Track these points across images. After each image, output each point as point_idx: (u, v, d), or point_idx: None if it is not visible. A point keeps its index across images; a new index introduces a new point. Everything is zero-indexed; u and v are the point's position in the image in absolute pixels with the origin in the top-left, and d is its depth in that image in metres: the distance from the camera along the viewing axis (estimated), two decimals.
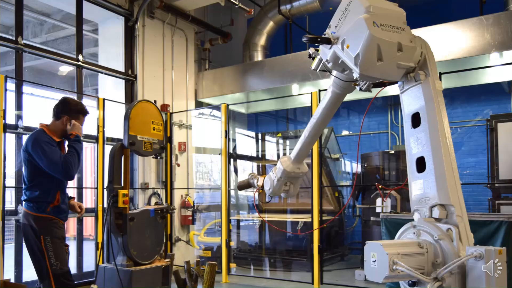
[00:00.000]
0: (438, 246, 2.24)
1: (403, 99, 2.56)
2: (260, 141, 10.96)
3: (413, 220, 2.47)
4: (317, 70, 2.76)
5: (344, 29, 2.36)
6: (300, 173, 3.45)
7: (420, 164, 2.44)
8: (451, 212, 2.32)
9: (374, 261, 2.14)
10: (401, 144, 10.22)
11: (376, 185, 6.74)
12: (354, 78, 2.42)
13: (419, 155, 2.43)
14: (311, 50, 2.69)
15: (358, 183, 9.28)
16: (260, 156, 10.93)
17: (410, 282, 2.25)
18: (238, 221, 9.92)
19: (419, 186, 2.42)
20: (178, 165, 9.33)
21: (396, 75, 2.45)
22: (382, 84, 2.66)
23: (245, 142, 11.74)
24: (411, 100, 2.50)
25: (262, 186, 3.68)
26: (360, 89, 2.57)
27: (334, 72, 2.65)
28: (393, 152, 8.80)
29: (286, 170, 3.37)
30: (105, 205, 5.64)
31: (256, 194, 3.87)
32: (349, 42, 2.32)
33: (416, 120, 2.48)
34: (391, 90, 9.31)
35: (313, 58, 2.72)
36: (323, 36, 2.48)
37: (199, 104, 10.34)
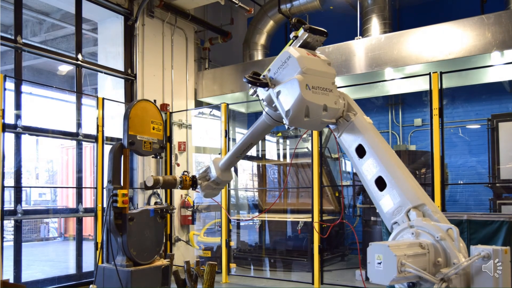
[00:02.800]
0: (439, 246, 2.22)
1: (343, 141, 2.80)
2: (260, 140, 10.94)
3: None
4: (253, 96, 3.06)
5: (281, 80, 2.67)
6: (226, 181, 3.76)
7: (380, 183, 2.58)
8: (425, 211, 2.39)
9: (380, 263, 2.10)
10: (402, 144, 10.20)
11: None
12: (284, 123, 2.72)
13: (376, 176, 2.60)
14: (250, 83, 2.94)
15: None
16: (260, 156, 10.91)
17: (410, 283, 2.22)
18: (238, 221, 9.90)
19: (387, 202, 2.52)
20: (178, 165, 9.31)
21: (319, 127, 2.81)
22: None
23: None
24: (350, 137, 2.75)
25: (193, 186, 3.85)
26: (288, 128, 2.82)
27: (266, 109, 2.95)
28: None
29: (217, 177, 3.68)
30: (105, 205, 5.62)
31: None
32: (282, 96, 2.62)
33: (360, 151, 2.69)
34: (392, 90, 9.34)
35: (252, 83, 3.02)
36: (261, 78, 2.78)
37: (199, 104, 10.32)
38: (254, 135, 3.29)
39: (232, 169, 3.93)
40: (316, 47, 2.86)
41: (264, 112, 3.05)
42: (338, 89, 2.78)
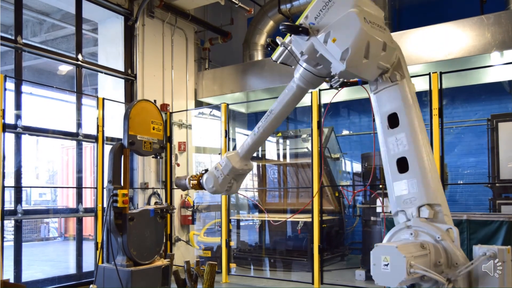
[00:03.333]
0: (439, 247, 2.20)
1: (377, 99, 2.50)
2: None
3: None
4: (278, 62, 2.66)
5: (328, 21, 2.28)
6: (247, 169, 3.33)
7: (402, 165, 2.38)
8: (438, 211, 2.30)
9: (387, 265, 2.03)
10: None
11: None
12: (333, 73, 2.34)
13: (399, 155, 2.39)
14: (278, 40, 2.58)
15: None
16: (260, 156, 10.91)
17: (410, 284, 2.20)
18: (238, 221, 9.90)
19: (402, 187, 2.36)
20: (178, 165, 9.32)
21: (374, 75, 2.42)
22: (350, 84, 2.61)
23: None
24: (387, 100, 2.45)
25: (199, 186, 3.51)
26: (330, 86, 2.54)
27: (304, 65, 2.56)
28: None
29: (235, 167, 3.23)
30: (105, 205, 5.63)
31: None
32: (336, 36, 2.23)
33: (393, 120, 2.43)
34: None
35: (272, 48, 2.64)
36: (301, 25, 2.37)
37: (199, 104, 10.32)
38: (285, 108, 2.88)
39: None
40: None
41: (298, 74, 2.65)
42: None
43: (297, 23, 2.44)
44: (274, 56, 2.69)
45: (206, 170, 3.53)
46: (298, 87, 2.73)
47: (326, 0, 2.34)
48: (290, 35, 2.48)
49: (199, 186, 3.57)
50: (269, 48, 2.68)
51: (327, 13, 2.32)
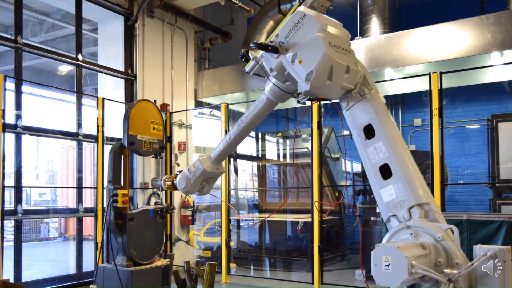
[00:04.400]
0: (439, 247, 2.20)
1: (351, 115, 2.61)
2: (260, 140, 10.94)
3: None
4: (250, 73, 2.82)
5: (296, 43, 2.41)
6: (218, 173, 3.48)
7: (384, 171, 2.45)
8: (428, 210, 2.33)
9: (388, 265, 2.04)
10: None
11: None
12: (298, 91, 2.46)
13: (381, 163, 2.46)
14: (251, 53, 2.75)
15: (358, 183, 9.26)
16: (260, 155, 10.91)
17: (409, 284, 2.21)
18: (238, 221, 9.90)
19: (390, 192, 2.41)
20: (178, 165, 9.31)
21: (337, 95, 2.56)
22: (318, 99, 2.71)
23: (245, 142, 11.71)
24: (360, 114, 2.55)
25: (173, 185, 3.68)
26: (298, 102, 2.63)
27: (273, 80, 2.68)
28: None
29: (206, 170, 3.37)
30: (105, 205, 5.62)
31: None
32: (302, 57, 2.36)
33: (369, 131, 2.52)
34: (392, 90, 9.34)
35: (247, 60, 2.78)
36: (270, 43, 2.49)
37: (199, 104, 10.32)
38: (255, 118, 3.04)
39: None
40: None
41: (268, 88, 2.78)
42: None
43: (268, 39, 2.57)
44: (247, 68, 2.86)
45: (181, 172, 3.67)
46: (268, 100, 2.86)
47: (296, 21, 2.45)
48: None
49: (173, 187, 3.72)
50: (243, 59, 2.80)
51: (296, 34, 2.43)
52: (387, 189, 2.43)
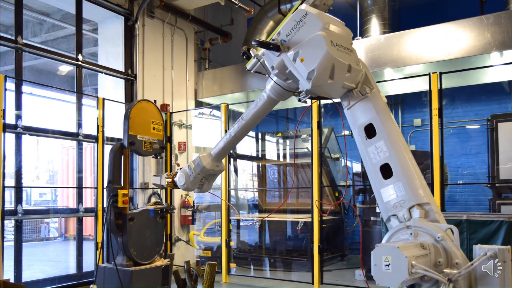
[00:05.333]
0: (439, 247, 2.21)
1: (351, 114, 2.61)
2: (260, 140, 10.95)
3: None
4: (252, 71, 2.80)
5: (298, 41, 2.40)
6: (218, 170, 3.46)
7: (385, 171, 2.45)
8: (429, 210, 2.33)
9: (388, 265, 2.04)
10: None
11: None
12: (300, 90, 2.47)
13: (382, 162, 2.46)
14: (252, 51, 2.73)
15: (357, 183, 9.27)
16: (260, 156, 10.92)
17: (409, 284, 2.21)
18: (238, 221, 9.91)
19: (390, 192, 2.41)
20: (178, 165, 9.32)
21: (338, 93, 2.57)
22: (319, 98, 2.70)
23: (245, 142, 11.72)
24: (361, 113, 2.56)
25: (173, 182, 3.67)
26: (299, 100, 2.63)
27: (275, 78, 2.68)
28: None
29: (206, 168, 3.36)
30: (105, 205, 5.63)
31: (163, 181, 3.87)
32: (304, 56, 2.35)
33: (370, 131, 2.52)
34: (392, 90, 9.36)
35: (248, 57, 2.75)
36: (272, 41, 2.49)
37: (199, 104, 10.33)
38: (256, 116, 3.02)
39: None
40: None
41: (269, 86, 2.78)
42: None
43: (270, 37, 2.56)
44: (248, 65, 2.85)
45: (181, 169, 3.68)
46: (268, 98, 2.85)
47: (298, 19, 2.44)
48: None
49: (173, 184, 3.71)
50: (244, 57, 2.79)
51: (297, 32, 2.43)
52: (387, 189, 2.43)
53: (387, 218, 2.45)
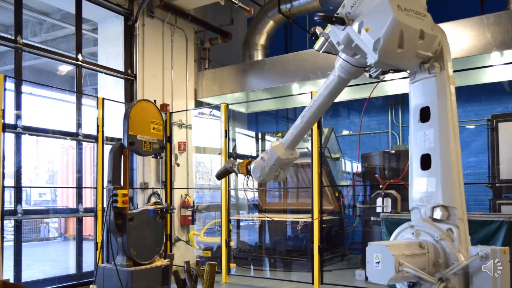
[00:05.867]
0: (439, 247, 2.22)
1: (413, 90, 2.43)
2: (260, 140, 10.95)
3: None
4: (321, 51, 2.59)
5: (363, 10, 2.22)
6: (293, 158, 3.36)
7: (425, 161, 2.35)
8: (453, 214, 2.26)
9: (378, 263, 2.10)
10: (401, 144, 10.20)
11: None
12: (368, 64, 2.29)
13: (425, 151, 2.34)
14: (318, 29, 2.53)
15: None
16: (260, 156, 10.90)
17: (410, 283, 2.22)
18: (238, 221, 9.91)
19: (422, 184, 2.34)
20: (178, 165, 9.32)
21: (413, 64, 2.34)
22: (393, 71, 2.50)
23: (245, 142, 11.72)
24: (422, 92, 2.38)
25: (247, 172, 3.60)
26: (370, 76, 2.45)
27: (343, 55, 2.50)
28: (393, 152, 8.79)
29: (281, 158, 3.27)
30: (105, 205, 5.62)
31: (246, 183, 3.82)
32: (369, 25, 2.17)
33: (425, 114, 2.37)
34: (392, 90, 9.35)
35: (316, 38, 2.57)
36: (336, 15, 2.32)
37: (199, 104, 10.32)
38: (327, 99, 2.83)
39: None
40: None
41: (337, 65, 2.60)
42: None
43: (337, 12, 2.40)
44: (316, 46, 2.64)
45: (251, 159, 3.63)
46: (338, 77, 2.66)
47: None
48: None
49: (247, 172, 3.63)
50: (313, 38, 2.61)
51: (362, 1, 2.25)
52: (421, 180, 2.35)
53: (412, 208, 2.42)
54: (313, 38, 2.57)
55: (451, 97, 2.34)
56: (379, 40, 2.11)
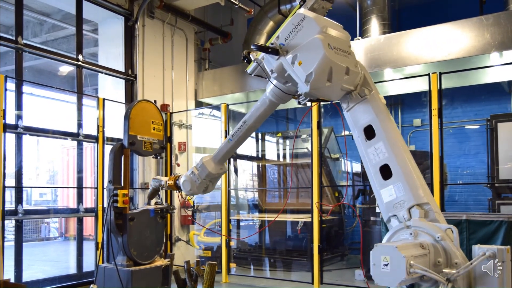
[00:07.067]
0: (439, 246, 2.21)
1: (351, 116, 2.63)
2: (260, 141, 10.96)
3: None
4: (252, 75, 2.86)
5: (296, 44, 2.44)
6: (222, 173, 3.64)
7: (385, 171, 2.47)
8: (428, 210, 2.34)
9: (386, 265, 2.05)
10: None
11: None
12: (298, 92, 2.49)
13: (382, 163, 2.48)
14: (252, 55, 2.77)
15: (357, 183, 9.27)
16: (260, 156, 10.92)
17: (409, 284, 2.22)
18: (238, 221, 9.92)
19: (389, 193, 2.43)
20: (178, 165, 9.33)
21: (338, 96, 2.59)
22: (319, 100, 2.74)
23: (245, 142, 11.70)
24: (361, 115, 2.58)
25: (176, 187, 3.85)
26: (298, 103, 2.64)
27: (274, 82, 2.72)
28: None
29: (211, 172, 3.53)
30: (105, 205, 5.64)
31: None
32: (302, 59, 2.39)
33: (369, 132, 2.54)
34: (391, 90, 9.37)
35: (248, 61, 2.80)
36: (271, 45, 2.53)
37: (199, 104, 10.34)
38: (257, 119, 3.12)
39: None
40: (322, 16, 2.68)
41: (269, 89, 2.83)
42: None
43: (269, 41, 2.60)
44: (249, 69, 2.91)
45: (179, 176, 3.88)
46: (269, 101, 2.92)
47: (296, 23, 2.48)
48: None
49: (175, 187, 3.91)
50: (245, 60, 2.82)
51: (296, 36, 2.46)
52: (387, 189, 2.45)
53: (388, 218, 2.47)
54: (244, 60, 2.79)
55: (386, 111, 2.58)
56: (311, 74, 2.34)
